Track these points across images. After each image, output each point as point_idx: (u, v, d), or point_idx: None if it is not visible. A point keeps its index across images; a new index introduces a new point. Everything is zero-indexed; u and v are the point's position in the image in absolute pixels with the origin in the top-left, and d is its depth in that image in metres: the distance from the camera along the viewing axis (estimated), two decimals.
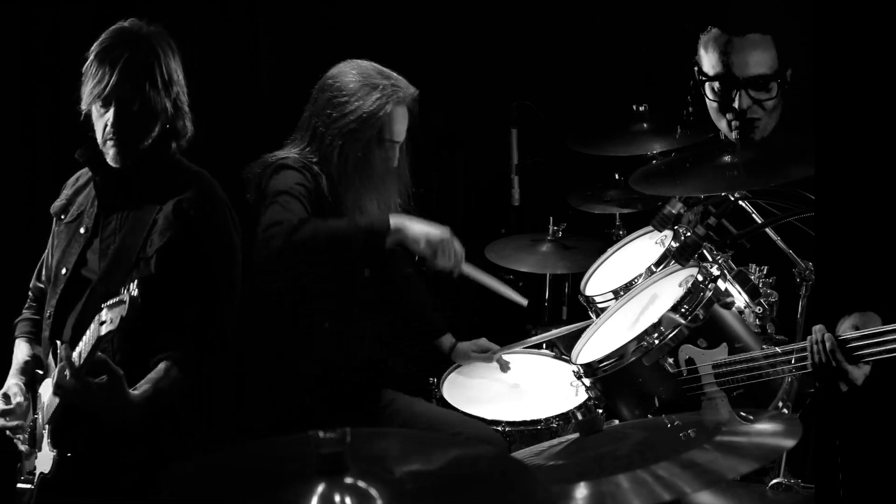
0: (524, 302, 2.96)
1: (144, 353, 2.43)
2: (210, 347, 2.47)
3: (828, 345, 2.11)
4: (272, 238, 2.52)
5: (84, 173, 2.67)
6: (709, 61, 2.74)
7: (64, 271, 2.54)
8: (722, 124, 2.78)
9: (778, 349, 2.25)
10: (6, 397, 2.56)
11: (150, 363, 2.43)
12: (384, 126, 2.78)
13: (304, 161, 2.77)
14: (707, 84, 2.75)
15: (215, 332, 2.48)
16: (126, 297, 2.19)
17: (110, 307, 2.23)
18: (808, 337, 2.16)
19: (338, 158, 2.76)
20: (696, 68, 2.82)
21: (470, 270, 2.78)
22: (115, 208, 2.53)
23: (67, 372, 2.28)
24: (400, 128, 2.82)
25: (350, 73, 2.80)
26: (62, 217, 2.64)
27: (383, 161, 2.82)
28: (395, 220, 2.60)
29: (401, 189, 2.90)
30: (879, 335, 2.08)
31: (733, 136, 2.72)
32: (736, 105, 2.69)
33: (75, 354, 2.32)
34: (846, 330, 2.15)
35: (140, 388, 2.37)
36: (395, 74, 2.82)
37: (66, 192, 2.68)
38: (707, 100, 2.81)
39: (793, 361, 2.20)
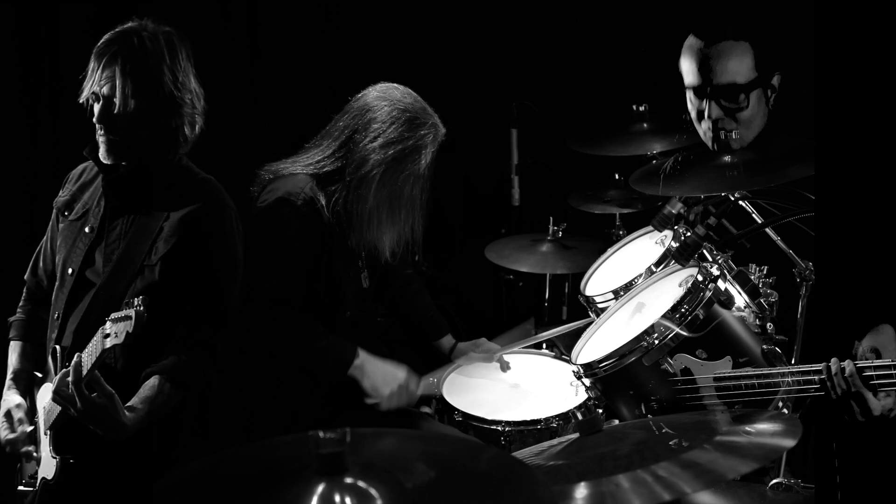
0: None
1: (146, 360, 2.43)
2: (203, 357, 2.46)
3: (847, 371, 2.08)
4: (262, 317, 2.70)
5: (89, 169, 2.65)
6: (686, 69, 2.71)
7: (70, 271, 2.52)
8: (701, 132, 2.76)
9: (791, 369, 2.22)
10: (9, 418, 2.55)
11: (143, 374, 2.41)
12: (423, 162, 2.80)
13: (312, 182, 2.75)
14: (686, 93, 2.73)
15: (209, 341, 2.47)
16: (132, 313, 2.19)
17: (115, 321, 2.22)
18: (826, 365, 2.13)
19: (376, 184, 2.76)
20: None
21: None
22: (121, 211, 2.52)
23: (70, 380, 2.27)
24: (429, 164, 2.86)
25: (399, 100, 2.79)
26: (66, 213, 2.61)
27: (411, 193, 2.83)
28: (359, 361, 2.76)
29: (415, 224, 2.90)
30: None
31: (710, 145, 2.69)
32: (706, 114, 2.66)
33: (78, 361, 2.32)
34: (864, 353, 2.13)
35: (135, 409, 2.35)
36: (431, 109, 2.84)
37: (70, 188, 2.66)
38: (688, 108, 2.79)
39: (810, 382, 2.16)
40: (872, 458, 2.23)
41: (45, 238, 2.69)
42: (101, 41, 2.45)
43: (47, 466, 2.45)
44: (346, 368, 2.76)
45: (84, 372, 2.27)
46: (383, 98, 2.80)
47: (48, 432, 2.47)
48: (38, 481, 2.47)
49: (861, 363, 2.09)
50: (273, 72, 3.93)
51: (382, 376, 2.78)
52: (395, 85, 2.84)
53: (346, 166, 2.77)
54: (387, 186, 2.77)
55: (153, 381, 2.39)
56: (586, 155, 3.67)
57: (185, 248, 2.45)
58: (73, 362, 2.29)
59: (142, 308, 2.19)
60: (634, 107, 3.61)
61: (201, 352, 2.45)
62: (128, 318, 2.19)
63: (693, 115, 2.73)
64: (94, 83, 2.43)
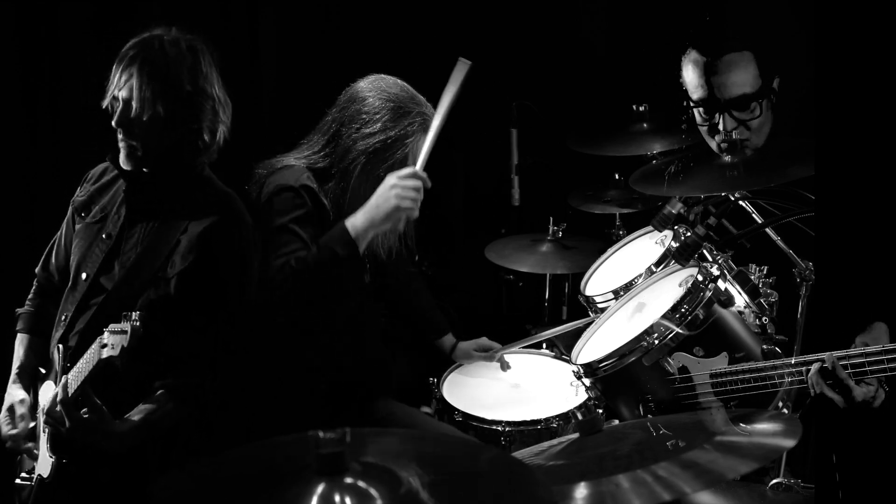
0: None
1: (153, 373, 2.43)
2: (211, 373, 2.46)
3: (828, 362, 2.09)
4: (282, 284, 2.55)
5: (109, 170, 2.63)
6: (691, 84, 2.69)
7: (84, 276, 2.51)
8: (713, 145, 2.76)
9: (786, 361, 2.22)
10: (11, 413, 2.55)
11: (151, 387, 2.42)
12: (408, 152, 2.74)
13: (308, 172, 2.74)
14: (694, 108, 2.72)
15: (218, 356, 2.47)
16: (128, 328, 2.19)
17: (113, 333, 2.22)
18: (811, 364, 2.14)
19: (357, 174, 2.72)
20: (684, 89, 2.78)
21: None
22: (139, 219, 2.51)
23: (59, 399, 2.29)
24: (419, 154, 2.80)
25: (385, 90, 2.76)
26: (83, 214, 2.61)
27: None
28: (359, 226, 2.57)
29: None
30: (881, 353, 2.05)
31: (724, 157, 2.69)
32: (720, 127, 2.65)
33: (74, 372, 2.32)
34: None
35: (131, 419, 2.36)
36: (423, 99, 2.80)
37: (88, 188, 2.65)
38: (697, 122, 2.79)
39: (797, 374, 2.18)
40: (871, 458, 2.23)
41: (58, 234, 2.68)
42: (125, 46, 2.45)
43: (44, 464, 2.46)
44: (357, 247, 2.57)
45: (81, 379, 2.28)
46: (370, 88, 2.77)
47: (46, 430, 2.48)
48: (35, 477, 2.48)
49: (839, 353, 2.09)
50: (273, 72, 3.94)
51: (381, 208, 2.57)
52: (384, 76, 2.82)
53: (334, 160, 2.76)
54: (370, 177, 2.71)
55: (157, 395, 2.40)
56: (586, 155, 3.67)
57: (203, 266, 2.44)
58: (61, 383, 2.32)
59: (138, 323, 2.19)
60: (634, 107, 3.62)
61: (211, 369, 2.45)
62: (124, 332, 2.20)
63: (704, 129, 2.71)
64: (115, 87, 2.43)
